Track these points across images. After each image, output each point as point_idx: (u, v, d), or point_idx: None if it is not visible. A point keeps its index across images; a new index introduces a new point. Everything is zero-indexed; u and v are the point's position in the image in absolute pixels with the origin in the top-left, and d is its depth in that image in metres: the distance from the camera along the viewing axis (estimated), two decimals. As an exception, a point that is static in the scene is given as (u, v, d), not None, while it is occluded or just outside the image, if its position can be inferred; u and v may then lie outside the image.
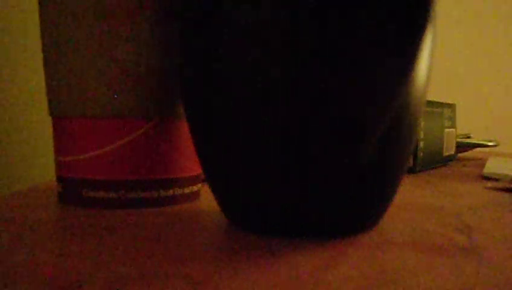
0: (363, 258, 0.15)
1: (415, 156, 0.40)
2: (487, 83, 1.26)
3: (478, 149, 0.87)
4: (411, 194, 0.29)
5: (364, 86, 0.15)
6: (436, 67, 1.27)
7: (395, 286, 0.13)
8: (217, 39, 0.16)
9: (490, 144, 0.54)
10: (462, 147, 0.54)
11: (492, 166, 0.42)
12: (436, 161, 0.45)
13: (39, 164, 0.46)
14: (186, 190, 0.24)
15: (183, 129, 0.24)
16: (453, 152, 0.50)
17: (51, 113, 0.24)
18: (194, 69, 0.18)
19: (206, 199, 0.26)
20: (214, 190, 0.19)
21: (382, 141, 0.16)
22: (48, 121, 0.48)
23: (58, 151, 0.24)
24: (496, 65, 1.26)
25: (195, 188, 0.25)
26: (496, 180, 0.37)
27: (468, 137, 0.61)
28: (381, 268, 0.14)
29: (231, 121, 0.17)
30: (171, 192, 0.24)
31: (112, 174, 0.22)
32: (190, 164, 0.24)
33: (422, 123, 0.41)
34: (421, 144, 0.41)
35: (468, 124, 1.26)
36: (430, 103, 0.43)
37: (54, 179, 0.33)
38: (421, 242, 0.17)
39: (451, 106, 0.48)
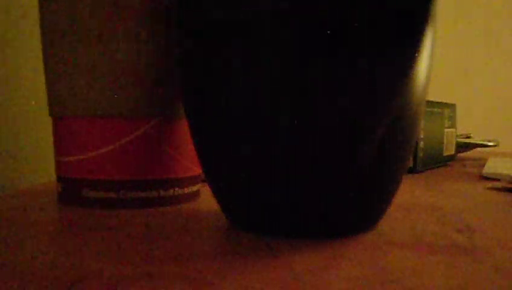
0: (363, 258, 0.15)
1: (415, 156, 0.40)
2: (487, 83, 1.26)
3: (478, 149, 0.87)
4: (411, 194, 0.29)
5: (364, 86, 0.15)
6: (436, 67, 1.27)
7: (395, 286, 0.13)
8: (217, 39, 0.16)
9: (490, 144, 0.54)
10: (462, 147, 0.54)
11: (492, 166, 0.42)
12: (436, 161, 0.45)
13: (39, 164, 0.46)
14: (186, 190, 0.24)
15: (183, 129, 0.24)
16: (453, 152, 0.50)
17: (51, 113, 0.24)
18: (193, 69, 0.18)
19: (206, 199, 0.26)
20: (214, 190, 0.19)
21: (382, 141, 0.16)
22: (48, 121, 0.48)
23: (58, 151, 0.24)
24: (496, 65, 1.26)
25: (195, 188, 0.25)
26: (496, 180, 0.37)
27: (468, 137, 0.61)
28: (381, 268, 0.14)
29: (231, 121, 0.17)
30: (171, 192, 0.24)
31: (112, 174, 0.22)
32: (190, 164, 0.24)
33: (422, 123, 0.41)
34: (421, 144, 0.41)
35: (468, 124, 1.26)
36: (430, 103, 0.43)
37: (54, 179, 0.33)
38: (421, 242, 0.17)
39: (451, 106, 0.48)
